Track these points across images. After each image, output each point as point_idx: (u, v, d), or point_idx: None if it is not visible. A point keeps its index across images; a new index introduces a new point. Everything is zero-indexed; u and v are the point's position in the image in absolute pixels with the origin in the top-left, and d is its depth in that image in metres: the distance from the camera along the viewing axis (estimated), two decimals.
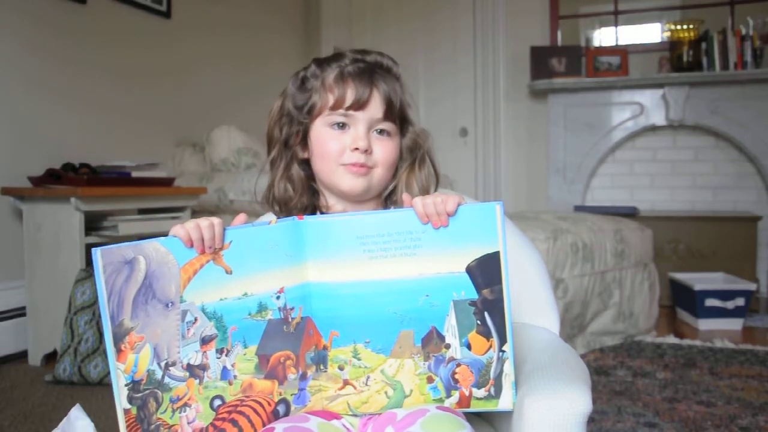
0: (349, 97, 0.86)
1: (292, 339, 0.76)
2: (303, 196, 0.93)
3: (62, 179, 2.22)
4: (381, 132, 0.89)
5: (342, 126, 0.88)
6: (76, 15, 2.65)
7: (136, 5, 2.96)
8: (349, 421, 0.80)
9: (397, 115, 0.90)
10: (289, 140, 0.92)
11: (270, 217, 0.94)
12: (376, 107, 0.87)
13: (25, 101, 2.42)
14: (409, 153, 0.93)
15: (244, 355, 0.76)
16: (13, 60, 2.37)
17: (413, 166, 0.92)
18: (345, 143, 0.87)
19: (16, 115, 2.38)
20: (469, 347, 0.77)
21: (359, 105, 0.87)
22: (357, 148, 0.86)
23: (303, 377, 0.77)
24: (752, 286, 2.80)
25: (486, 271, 0.75)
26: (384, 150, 0.89)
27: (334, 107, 0.87)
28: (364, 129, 0.87)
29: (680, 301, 3.00)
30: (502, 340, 0.77)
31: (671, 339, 2.58)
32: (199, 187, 2.77)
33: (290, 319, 0.76)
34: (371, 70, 0.89)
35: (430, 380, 0.77)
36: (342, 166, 0.88)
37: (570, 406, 0.72)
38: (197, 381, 0.75)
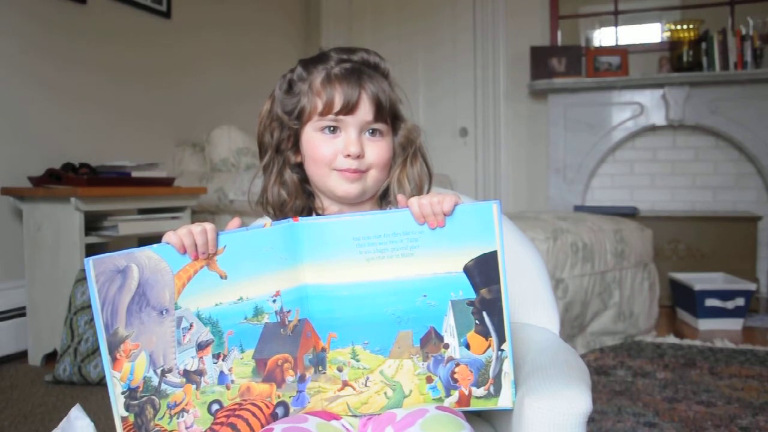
0: (338, 101, 0.84)
1: (289, 342, 0.76)
2: (297, 200, 0.92)
3: (62, 179, 2.22)
4: (373, 132, 0.87)
5: (333, 130, 0.87)
6: (77, 15, 2.65)
7: (136, 5, 2.97)
8: (349, 421, 0.80)
9: (387, 114, 0.88)
10: (280, 145, 0.91)
11: (265, 219, 0.93)
12: (365, 110, 0.85)
13: (25, 101, 2.42)
14: (402, 150, 0.92)
15: (241, 359, 0.76)
16: (13, 60, 2.37)
17: (405, 163, 0.91)
18: (337, 148, 0.86)
19: (16, 114, 2.38)
20: (467, 347, 0.77)
21: (348, 109, 0.85)
22: (349, 155, 0.85)
23: (301, 379, 0.77)
24: (752, 286, 2.80)
25: (484, 271, 0.75)
26: (377, 151, 0.87)
27: (323, 112, 0.85)
28: (355, 132, 0.86)
29: (680, 301, 2.99)
30: (501, 339, 0.77)
31: (671, 339, 2.58)
32: (199, 187, 2.77)
33: (287, 322, 0.76)
34: (358, 71, 0.86)
35: (429, 380, 0.77)
36: (335, 171, 0.87)
37: (570, 406, 0.72)
38: (194, 386, 0.75)
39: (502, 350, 0.77)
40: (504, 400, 0.77)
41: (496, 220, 0.75)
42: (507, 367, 0.77)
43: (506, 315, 0.76)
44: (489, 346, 0.77)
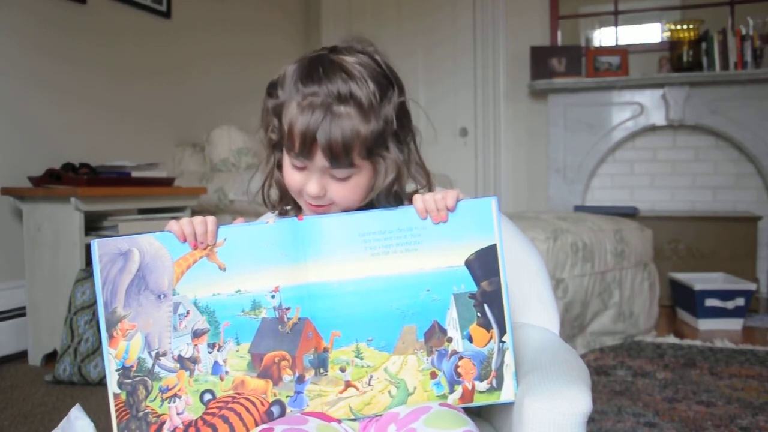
0: (297, 144, 0.78)
1: (287, 339, 0.76)
2: (286, 205, 0.91)
3: (62, 179, 2.22)
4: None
5: (301, 167, 0.82)
6: (77, 15, 2.65)
7: (136, 5, 2.96)
8: (349, 424, 0.79)
9: (357, 154, 0.79)
10: (275, 142, 0.87)
11: (269, 217, 0.94)
12: (320, 158, 0.78)
13: (25, 101, 2.42)
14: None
15: (237, 351, 0.76)
16: (13, 59, 2.37)
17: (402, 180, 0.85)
18: (303, 182, 0.82)
19: (16, 114, 2.38)
20: (470, 339, 0.78)
21: (304, 155, 0.79)
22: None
23: (300, 380, 0.77)
24: (752, 286, 2.80)
25: (484, 264, 0.77)
26: (341, 192, 0.82)
27: (288, 149, 0.81)
28: (317, 174, 0.80)
29: (680, 301, 2.99)
30: (502, 331, 0.78)
31: (671, 339, 2.58)
32: (199, 187, 2.77)
33: (286, 319, 0.76)
34: (320, 111, 0.77)
35: (433, 375, 0.78)
36: (302, 199, 0.85)
37: (570, 406, 0.72)
38: (188, 373, 0.76)
39: (503, 342, 0.78)
40: (506, 394, 0.78)
41: (494, 215, 0.78)
42: (508, 358, 0.78)
43: (506, 306, 0.78)
44: (491, 338, 0.78)
